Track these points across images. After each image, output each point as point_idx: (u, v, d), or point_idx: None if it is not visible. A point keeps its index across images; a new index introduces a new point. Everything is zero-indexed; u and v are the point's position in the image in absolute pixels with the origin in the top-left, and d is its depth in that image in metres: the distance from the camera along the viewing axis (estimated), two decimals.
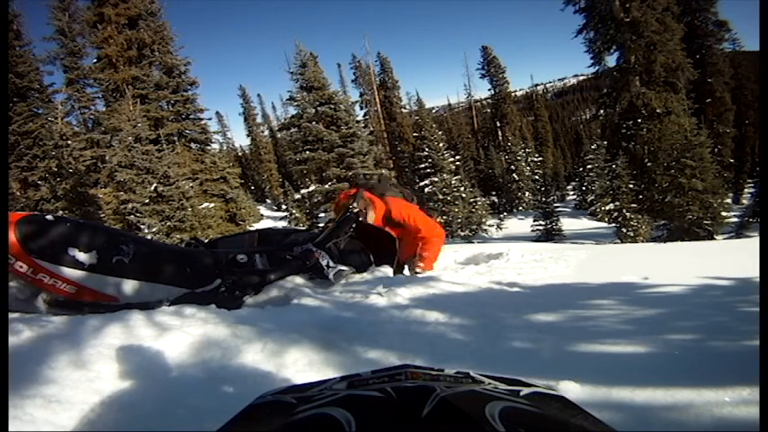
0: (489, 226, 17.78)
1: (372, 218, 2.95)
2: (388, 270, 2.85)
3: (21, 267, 1.85)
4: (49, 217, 2.06)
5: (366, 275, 2.70)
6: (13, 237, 1.82)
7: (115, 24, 13.23)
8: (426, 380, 0.45)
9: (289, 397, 0.44)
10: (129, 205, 10.21)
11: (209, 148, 14.58)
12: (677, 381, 1.11)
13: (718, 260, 3.58)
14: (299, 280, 2.53)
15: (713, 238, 11.90)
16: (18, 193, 10.84)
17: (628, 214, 13.69)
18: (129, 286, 2.09)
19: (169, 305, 2.05)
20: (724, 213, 13.00)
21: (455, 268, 3.53)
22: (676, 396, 1.04)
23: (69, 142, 12.46)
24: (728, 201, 16.00)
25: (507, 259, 3.75)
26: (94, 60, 13.97)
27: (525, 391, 0.44)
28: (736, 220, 13.71)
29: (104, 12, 13.14)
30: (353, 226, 2.91)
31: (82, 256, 1.96)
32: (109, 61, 13.48)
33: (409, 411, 0.36)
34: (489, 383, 0.47)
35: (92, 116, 14.50)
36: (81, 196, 11.57)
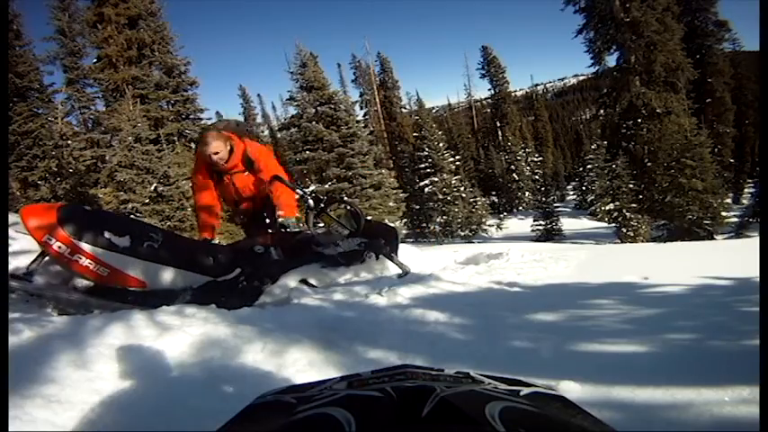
0: (489, 226, 17.80)
1: (225, 154, 2.68)
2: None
3: (59, 248, 1.94)
4: (87, 207, 2.22)
5: (367, 275, 2.69)
6: (54, 220, 1.95)
7: (115, 24, 13.20)
8: (426, 380, 0.45)
9: (289, 397, 0.44)
10: (129, 205, 10.19)
11: None
12: (677, 380, 1.11)
13: (718, 260, 3.59)
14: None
15: (713, 238, 11.91)
16: (18, 193, 10.82)
17: (628, 214, 13.67)
18: (158, 271, 2.19)
19: (193, 293, 2.20)
20: (724, 213, 13.03)
21: (455, 268, 3.53)
22: (676, 396, 1.05)
23: (69, 142, 12.45)
24: (728, 201, 16.02)
25: (507, 259, 3.75)
26: (94, 60, 13.93)
27: (525, 391, 0.44)
28: (736, 220, 13.72)
29: (104, 12, 13.12)
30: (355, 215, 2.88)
31: (116, 239, 2.08)
32: (109, 61, 13.45)
33: (409, 411, 0.35)
34: (489, 383, 0.47)
35: (92, 116, 14.47)
36: (81, 196, 11.55)
